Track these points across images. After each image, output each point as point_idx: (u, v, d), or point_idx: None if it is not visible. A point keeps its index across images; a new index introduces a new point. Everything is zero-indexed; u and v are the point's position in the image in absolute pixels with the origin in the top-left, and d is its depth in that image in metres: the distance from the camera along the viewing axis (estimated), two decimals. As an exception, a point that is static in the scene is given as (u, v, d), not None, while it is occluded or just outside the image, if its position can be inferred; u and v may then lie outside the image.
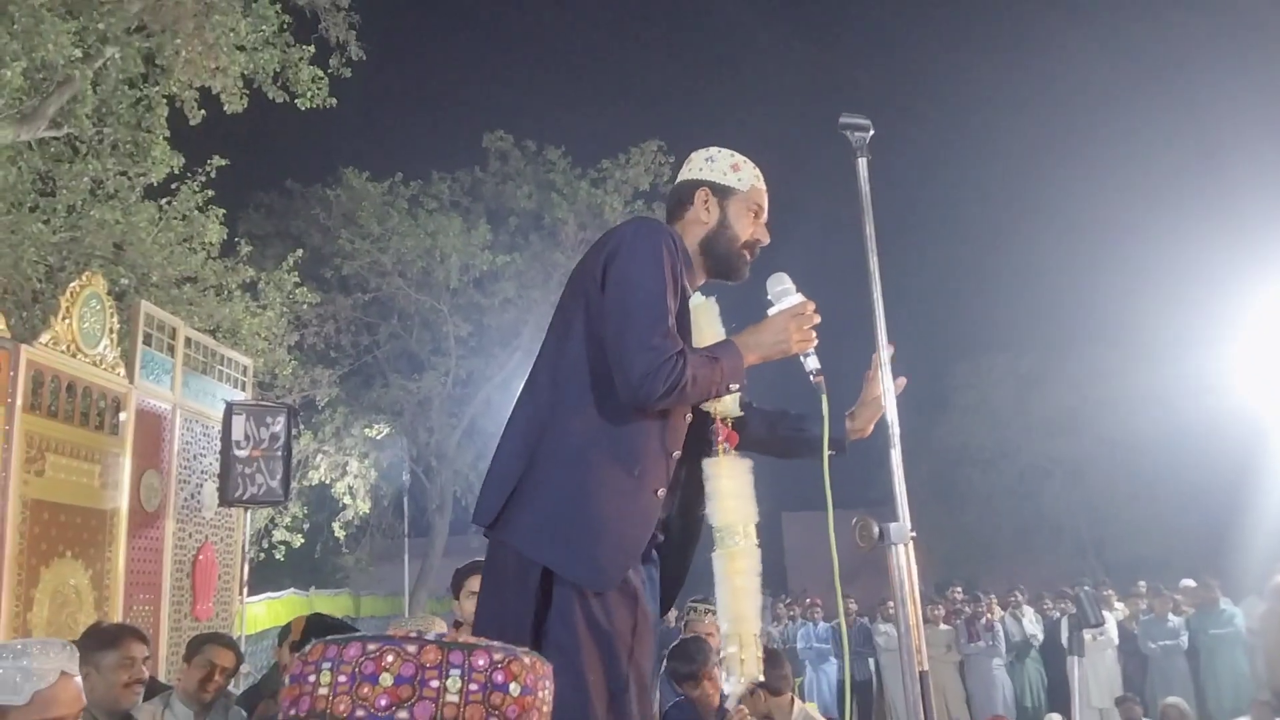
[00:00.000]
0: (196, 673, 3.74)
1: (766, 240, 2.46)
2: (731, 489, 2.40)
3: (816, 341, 2.30)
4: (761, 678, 2.60)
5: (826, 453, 2.24)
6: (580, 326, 2.21)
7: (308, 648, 1.05)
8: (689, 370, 2.11)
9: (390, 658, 0.99)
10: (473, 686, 0.99)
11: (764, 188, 2.46)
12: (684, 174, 2.48)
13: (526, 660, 1.03)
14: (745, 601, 2.40)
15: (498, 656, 1.01)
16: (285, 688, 1.04)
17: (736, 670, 2.41)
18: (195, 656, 3.79)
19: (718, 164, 2.44)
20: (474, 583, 4.20)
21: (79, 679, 2.44)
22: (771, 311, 2.34)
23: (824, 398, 2.25)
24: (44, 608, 5.63)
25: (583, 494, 2.11)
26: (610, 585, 2.14)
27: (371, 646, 1.00)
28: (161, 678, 5.95)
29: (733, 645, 2.39)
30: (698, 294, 2.45)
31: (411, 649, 1.00)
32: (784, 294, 2.35)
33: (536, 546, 2.09)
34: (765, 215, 2.47)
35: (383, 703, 0.97)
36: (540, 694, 1.04)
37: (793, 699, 4.55)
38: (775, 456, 2.59)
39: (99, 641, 3.24)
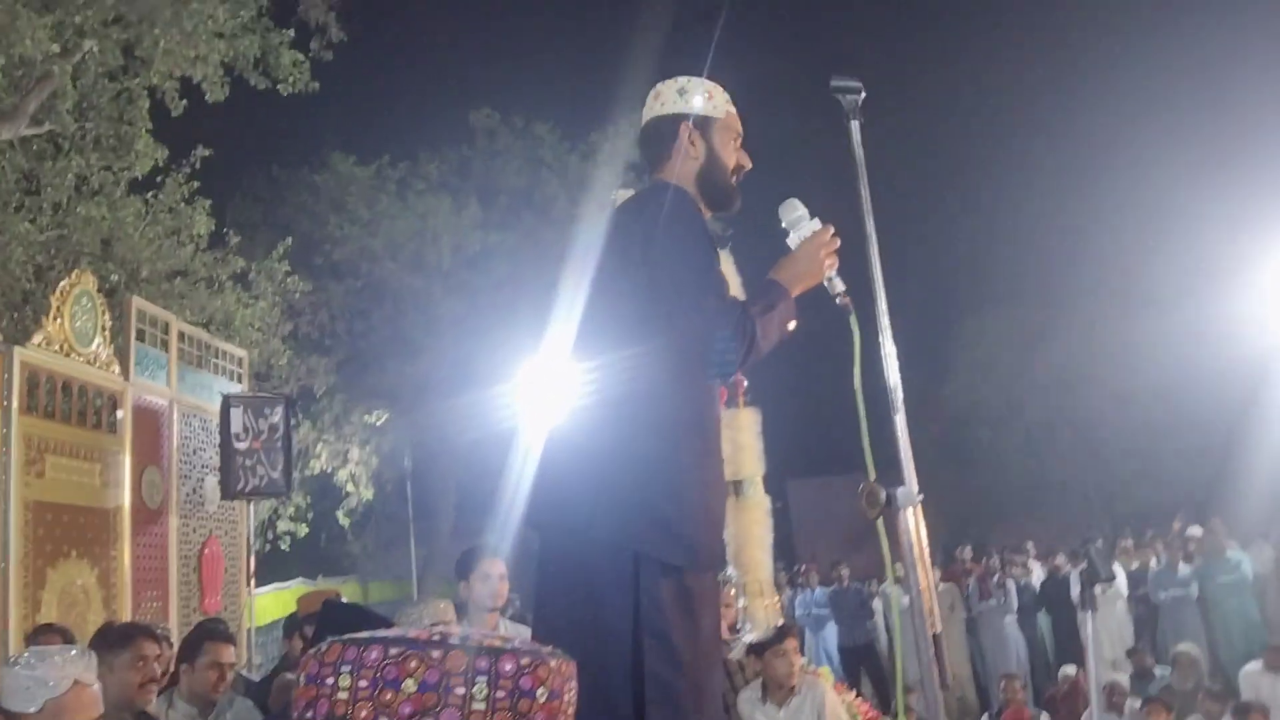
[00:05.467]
0: (207, 675, 3.69)
1: (749, 165, 2.45)
2: (751, 441, 2.44)
3: (838, 263, 2.31)
4: (781, 620, 2.61)
5: (858, 373, 2.20)
6: (630, 314, 2.18)
7: (324, 647, 1.01)
8: (758, 326, 2.12)
9: (414, 663, 0.95)
10: (499, 693, 0.95)
11: (735, 111, 2.44)
12: (657, 109, 2.42)
13: (553, 664, 1.00)
14: (760, 550, 2.43)
15: (525, 661, 0.98)
16: (300, 688, 1.00)
17: (756, 619, 2.43)
18: (199, 658, 3.73)
19: (692, 95, 2.39)
20: (488, 566, 4.16)
21: (95, 687, 2.43)
22: (791, 239, 2.34)
23: (852, 318, 2.23)
24: (52, 609, 5.62)
25: (672, 476, 2.12)
26: (709, 564, 2.17)
27: (394, 651, 0.96)
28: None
29: (750, 595, 2.41)
30: None
31: (436, 654, 0.96)
32: (799, 220, 2.35)
33: (631, 534, 2.07)
34: (741, 139, 2.45)
35: (406, 710, 0.94)
36: (566, 697, 1.01)
37: (800, 667, 4.56)
38: None
39: (111, 642, 3.24)
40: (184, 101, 9.65)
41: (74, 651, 2.49)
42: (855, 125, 2.34)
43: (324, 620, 3.37)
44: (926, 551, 2.18)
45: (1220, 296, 13.53)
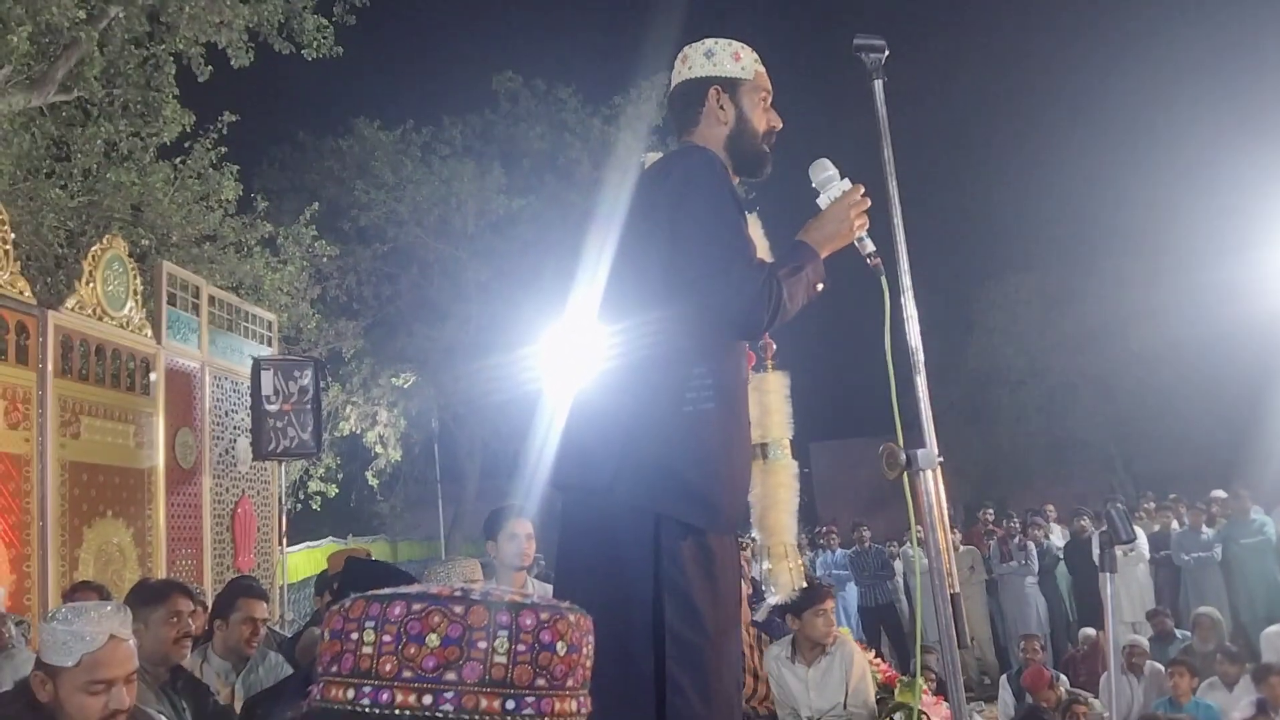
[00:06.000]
0: (240, 629, 3.78)
1: (780, 125, 2.41)
2: (779, 404, 2.43)
3: (869, 224, 2.29)
4: (804, 584, 2.60)
5: (889, 335, 2.18)
6: (656, 278, 2.17)
7: (347, 602, 1.04)
8: (784, 289, 2.10)
9: (437, 618, 0.97)
10: (520, 647, 0.97)
11: (764, 70, 2.40)
12: (684, 73, 2.39)
13: (572, 618, 1.01)
14: (785, 513, 2.42)
15: (544, 616, 0.99)
16: (325, 643, 1.03)
17: (779, 582, 2.43)
18: (233, 613, 3.81)
19: (719, 57, 2.36)
20: (515, 526, 4.22)
21: (131, 642, 2.48)
22: (821, 200, 2.31)
23: (883, 279, 2.20)
24: (89, 567, 5.76)
25: (693, 438, 2.11)
26: (730, 526, 2.18)
27: (417, 606, 0.98)
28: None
29: (774, 558, 2.41)
30: None
31: (458, 610, 0.98)
32: (829, 180, 2.32)
33: (653, 495, 2.08)
34: (771, 98, 2.41)
35: (430, 664, 0.96)
36: (585, 650, 1.03)
37: (835, 630, 4.60)
38: None
39: (146, 598, 3.29)
40: (209, 67, 9.69)
41: (110, 607, 2.52)
42: (879, 84, 2.31)
43: (348, 577, 3.42)
44: (946, 513, 2.20)
45: (1244, 258, 13.34)
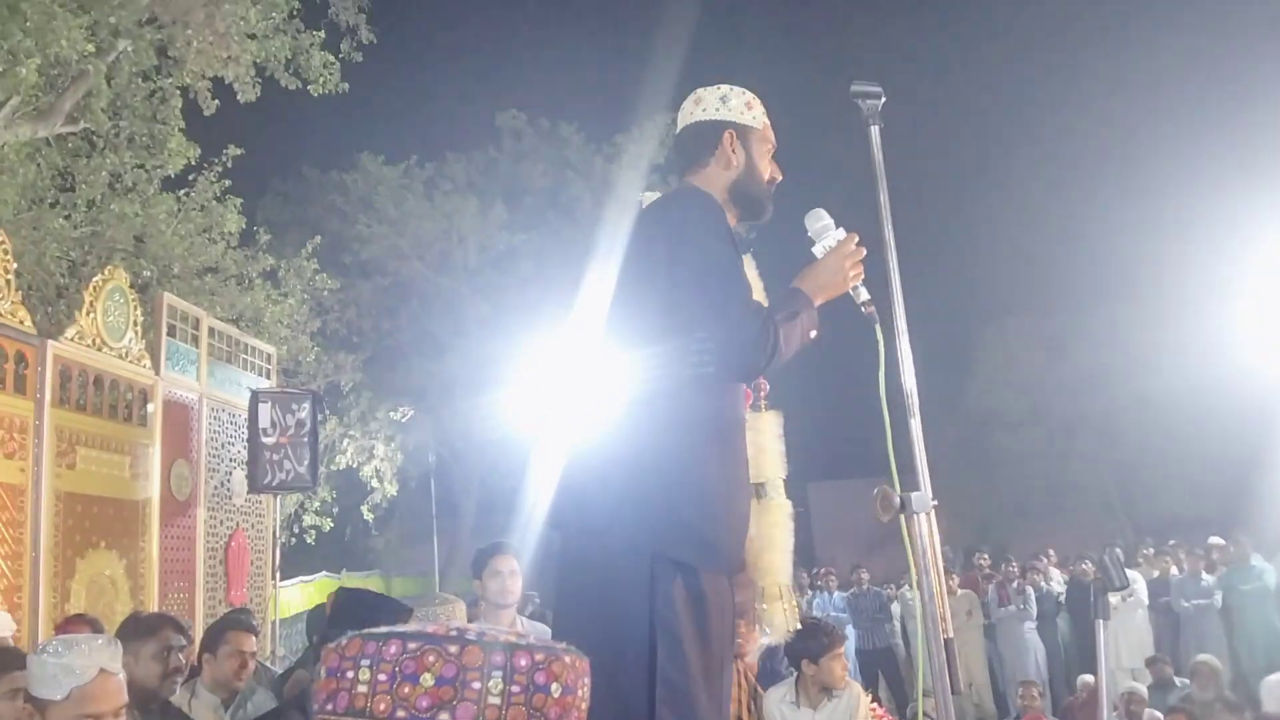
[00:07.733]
0: (229, 663, 3.75)
1: (780, 177, 2.46)
2: (772, 444, 2.43)
3: (863, 273, 2.31)
4: (799, 625, 2.59)
5: (883, 381, 2.20)
6: (654, 316, 2.18)
7: (344, 641, 1.03)
8: (780, 334, 2.12)
9: (432, 658, 0.97)
10: (514, 688, 0.97)
11: (769, 122, 2.45)
12: (698, 114, 2.42)
13: (567, 659, 1.01)
14: (780, 554, 2.42)
15: (539, 657, 0.99)
16: (321, 681, 1.03)
17: (774, 623, 2.42)
18: (221, 646, 3.77)
19: (733, 103, 2.40)
20: (498, 563, 4.20)
21: (121, 676, 2.46)
22: (816, 249, 2.33)
23: (877, 327, 2.22)
24: (81, 598, 5.71)
25: (694, 477, 2.12)
26: (732, 566, 2.17)
27: (412, 645, 0.98)
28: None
29: (769, 599, 2.40)
30: None
31: (453, 649, 0.97)
32: (824, 230, 2.34)
33: (652, 535, 2.08)
34: (774, 150, 2.46)
35: (424, 704, 0.96)
36: (580, 692, 1.02)
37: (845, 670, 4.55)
38: None
39: (137, 631, 3.27)
40: (216, 101, 9.79)
41: (100, 640, 2.50)
42: (875, 130, 2.34)
43: (339, 607, 3.35)
44: (940, 557, 2.19)
45: (1245, 302, 13.39)
